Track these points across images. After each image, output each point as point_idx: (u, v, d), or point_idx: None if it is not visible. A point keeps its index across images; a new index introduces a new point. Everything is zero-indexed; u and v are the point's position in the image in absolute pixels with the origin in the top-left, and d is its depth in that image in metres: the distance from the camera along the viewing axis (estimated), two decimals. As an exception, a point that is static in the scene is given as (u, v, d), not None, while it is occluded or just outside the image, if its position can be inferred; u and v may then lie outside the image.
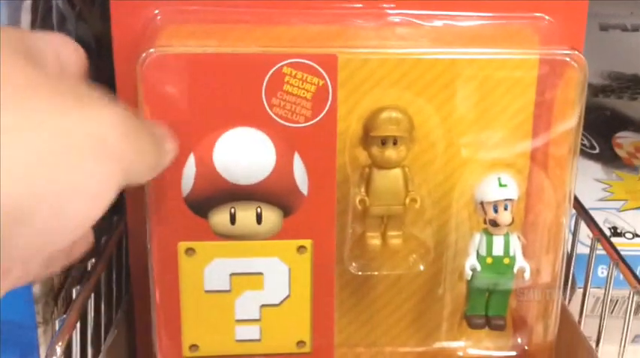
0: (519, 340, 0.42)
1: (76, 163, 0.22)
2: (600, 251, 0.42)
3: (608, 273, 0.41)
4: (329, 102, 0.35)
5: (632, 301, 0.39)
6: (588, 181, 0.56)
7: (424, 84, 0.37)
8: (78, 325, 0.35)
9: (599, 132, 0.61)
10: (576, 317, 0.43)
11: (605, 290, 0.41)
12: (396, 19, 0.37)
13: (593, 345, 0.41)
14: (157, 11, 0.36)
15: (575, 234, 0.45)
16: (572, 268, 0.45)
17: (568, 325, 0.42)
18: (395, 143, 0.36)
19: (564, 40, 0.37)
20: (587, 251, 0.43)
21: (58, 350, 0.33)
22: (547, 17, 0.38)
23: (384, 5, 0.37)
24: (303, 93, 0.35)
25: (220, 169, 0.35)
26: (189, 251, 0.37)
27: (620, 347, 0.39)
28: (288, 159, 0.36)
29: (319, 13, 0.37)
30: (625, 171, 0.58)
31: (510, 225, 0.38)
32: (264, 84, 0.35)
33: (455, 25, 0.37)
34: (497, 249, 0.38)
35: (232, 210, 0.36)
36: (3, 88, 0.21)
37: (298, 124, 0.35)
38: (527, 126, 0.38)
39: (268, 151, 0.35)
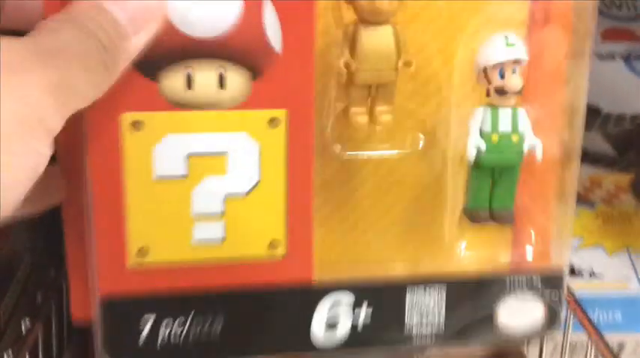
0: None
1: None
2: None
3: (565, 320, 0.39)
4: None
5: (591, 349, 0.38)
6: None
7: None
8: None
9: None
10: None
11: (564, 336, 0.40)
12: None
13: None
14: None
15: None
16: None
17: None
18: (385, -9, 0.30)
19: None
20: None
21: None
22: None
23: None
24: None
25: (174, 18, 0.28)
26: (136, 124, 0.29)
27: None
28: (257, 4, 0.29)
29: None
30: (581, 207, 0.55)
31: (519, 92, 0.32)
32: None
33: None
34: (505, 125, 0.33)
35: (189, 71, 0.29)
36: None
37: (270, -39, 0.29)
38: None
39: (233, -6, 0.29)
